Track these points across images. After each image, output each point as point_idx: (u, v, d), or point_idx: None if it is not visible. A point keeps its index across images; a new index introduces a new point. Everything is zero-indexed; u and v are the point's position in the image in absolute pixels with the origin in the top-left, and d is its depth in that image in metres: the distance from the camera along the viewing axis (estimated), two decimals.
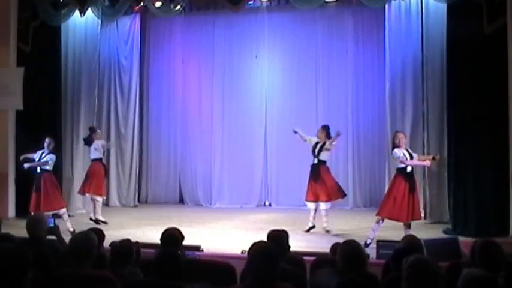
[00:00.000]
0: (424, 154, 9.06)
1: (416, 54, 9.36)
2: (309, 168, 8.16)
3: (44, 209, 7.78)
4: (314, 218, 8.06)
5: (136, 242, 4.23)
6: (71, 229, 7.66)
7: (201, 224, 8.89)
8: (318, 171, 8.00)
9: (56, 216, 7.70)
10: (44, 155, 8.07)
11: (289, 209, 10.23)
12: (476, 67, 7.82)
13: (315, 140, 8.20)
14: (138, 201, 11.38)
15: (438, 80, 8.79)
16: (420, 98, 9.34)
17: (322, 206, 7.95)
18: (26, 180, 8.95)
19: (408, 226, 7.03)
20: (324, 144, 8.02)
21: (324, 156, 8.06)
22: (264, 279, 2.84)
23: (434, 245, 5.47)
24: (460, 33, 7.94)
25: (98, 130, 9.40)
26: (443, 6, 8.30)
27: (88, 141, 9.02)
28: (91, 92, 10.68)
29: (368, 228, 7.33)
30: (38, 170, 8.05)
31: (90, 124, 9.89)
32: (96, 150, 8.96)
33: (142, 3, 10.01)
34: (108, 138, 10.66)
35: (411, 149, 7.46)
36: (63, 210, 8.11)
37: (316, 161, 8.06)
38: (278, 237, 3.94)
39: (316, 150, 8.06)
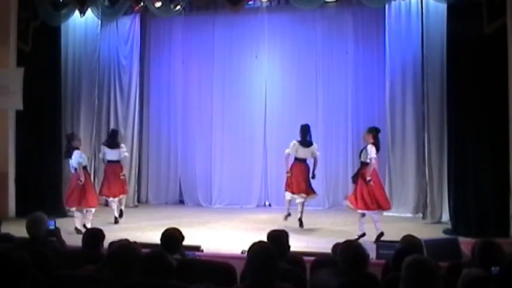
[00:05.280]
0: (424, 154, 9.12)
1: (416, 54, 9.37)
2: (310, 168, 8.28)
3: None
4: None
5: (135, 242, 4.22)
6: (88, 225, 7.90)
7: (201, 224, 8.89)
8: None
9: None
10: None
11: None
12: (476, 67, 7.82)
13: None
14: (138, 201, 11.33)
15: (438, 80, 8.78)
16: (420, 98, 9.34)
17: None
18: (26, 180, 8.97)
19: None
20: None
21: None
22: (264, 279, 2.84)
23: (434, 245, 5.49)
24: (460, 33, 7.94)
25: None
26: (443, 6, 8.29)
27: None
28: (91, 92, 10.69)
29: (369, 228, 7.35)
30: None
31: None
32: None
33: (142, 3, 10.00)
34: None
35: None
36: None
37: None
38: (278, 237, 3.95)
39: None
